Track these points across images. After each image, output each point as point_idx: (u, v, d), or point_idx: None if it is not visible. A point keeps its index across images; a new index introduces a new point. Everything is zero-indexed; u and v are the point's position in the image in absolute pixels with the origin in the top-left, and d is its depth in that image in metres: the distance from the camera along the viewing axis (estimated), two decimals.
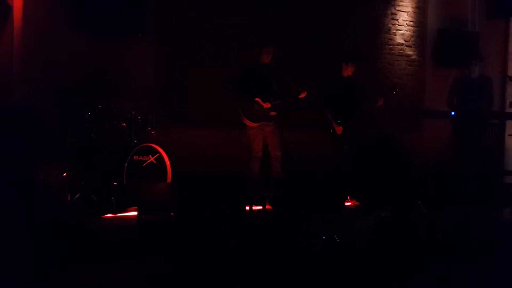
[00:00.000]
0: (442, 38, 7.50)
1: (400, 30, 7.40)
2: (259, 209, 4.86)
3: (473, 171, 5.65)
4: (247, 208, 4.51)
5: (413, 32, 7.48)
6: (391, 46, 7.34)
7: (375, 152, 4.65)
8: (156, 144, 5.24)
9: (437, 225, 4.07)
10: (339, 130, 5.51)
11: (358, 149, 5.19)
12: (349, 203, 5.36)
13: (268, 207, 4.95)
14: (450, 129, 6.36)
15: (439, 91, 6.87)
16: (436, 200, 4.79)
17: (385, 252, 3.44)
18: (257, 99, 5.20)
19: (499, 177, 6.42)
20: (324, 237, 3.59)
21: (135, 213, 4.48)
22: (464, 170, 5.71)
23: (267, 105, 5.21)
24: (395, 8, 7.34)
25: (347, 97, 5.56)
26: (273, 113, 5.28)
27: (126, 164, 5.01)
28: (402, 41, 7.41)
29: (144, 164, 5.10)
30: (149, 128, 5.41)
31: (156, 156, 5.14)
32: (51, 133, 5.00)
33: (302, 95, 5.24)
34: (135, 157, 5.08)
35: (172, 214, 4.24)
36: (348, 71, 5.62)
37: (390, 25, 7.32)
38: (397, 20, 7.37)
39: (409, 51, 7.47)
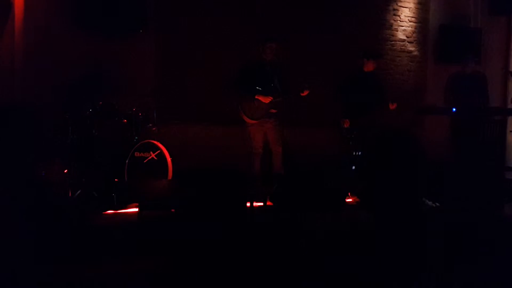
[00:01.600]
0: (444, 34, 7.48)
1: (402, 26, 7.38)
2: (260, 206, 4.86)
3: (474, 167, 5.63)
4: (248, 204, 4.51)
5: (415, 28, 7.45)
6: (393, 42, 7.32)
7: (391, 147, 4.60)
8: (157, 141, 5.26)
9: (438, 222, 4.06)
10: (346, 123, 5.49)
11: (374, 143, 5.13)
12: (350, 200, 5.36)
13: (269, 203, 4.96)
14: (448, 125, 6.39)
15: (440, 87, 6.84)
16: (437, 196, 4.78)
17: (386, 250, 3.44)
18: (257, 96, 5.20)
19: (500, 173, 6.40)
20: (324, 234, 3.59)
21: (136, 209, 4.50)
22: (465, 166, 5.70)
23: (268, 99, 5.18)
24: (397, 4, 7.31)
25: (363, 93, 5.51)
26: (273, 111, 5.28)
27: (127, 161, 5.02)
28: (404, 37, 7.39)
29: (145, 161, 5.12)
30: (150, 125, 5.43)
31: (157, 152, 5.16)
32: (53, 130, 5.01)
33: (305, 93, 5.21)
34: (136, 154, 5.09)
35: (173, 210, 4.25)
36: (369, 67, 5.60)
37: (392, 21, 7.30)
38: (399, 16, 7.35)
39: (411, 47, 7.45)
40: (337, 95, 5.55)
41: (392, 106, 5.59)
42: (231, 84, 5.30)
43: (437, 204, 4.58)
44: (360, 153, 5.37)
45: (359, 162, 5.20)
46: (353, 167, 5.38)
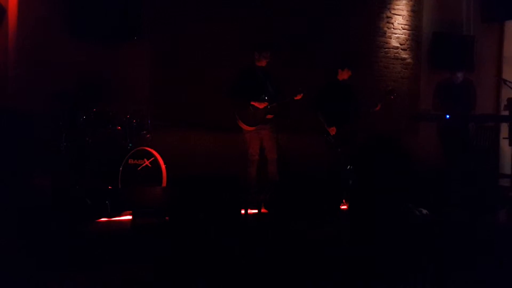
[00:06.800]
0: (437, 41, 7.53)
1: (396, 34, 7.42)
2: (254, 213, 4.85)
3: (467, 173, 5.66)
4: (242, 211, 4.50)
5: (408, 36, 7.50)
6: (387, 49, 7.36)
7: (375, 152, 4.62)
8: (152, 148, 5.24)
9: (432, 229, 4.07)
10: (332, 131, 5.54)
11: (358, 149, 5.16)
12: (345, 207, 5.35)
13: (263, 210, 4.95)
14: (436, 133, 6.49)
15: None
16: (431, 203, 4.79)
17: (379, 256, 3.44)
18: (252, 102, 5.22)
19: (494, 180, 6.44)
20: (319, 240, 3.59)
21: (130, 217, 4.47)
22: (459, 173, 5.73)
23: (263, 105, 5.21)
24: (390, 12, 7.36)
25: (342, 101, 5.61)
26: (269, 116, 5.29)
27: (121, 168, 5.00)
28: (397, 45, 7.44)
29: (139, 168, 5.10)
30: (145, 132, 5.40)
31: (151, 160, 5.14)
32: (46, 137, 4.99)
33: (298, 97, 5.27)
34: (130, 161, 5.07)
35: (166, 218, 4.23)
36: (343, 75, 5.69)
37: (386, 29, 7.35)
38: (392, 23, 7.39)
39: (404, 55, 7.49)
40: (316, 105, 5.64)
41: (378, 107, 5.67)
42: (226, 92, 5.31)
43: (429, 212, 4.58)
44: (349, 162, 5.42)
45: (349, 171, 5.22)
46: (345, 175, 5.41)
